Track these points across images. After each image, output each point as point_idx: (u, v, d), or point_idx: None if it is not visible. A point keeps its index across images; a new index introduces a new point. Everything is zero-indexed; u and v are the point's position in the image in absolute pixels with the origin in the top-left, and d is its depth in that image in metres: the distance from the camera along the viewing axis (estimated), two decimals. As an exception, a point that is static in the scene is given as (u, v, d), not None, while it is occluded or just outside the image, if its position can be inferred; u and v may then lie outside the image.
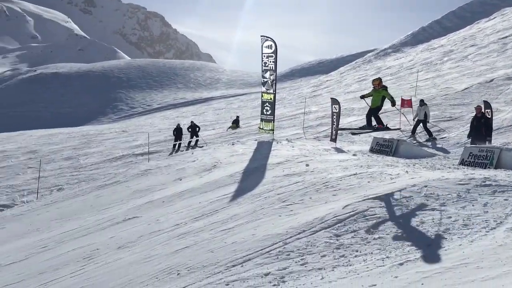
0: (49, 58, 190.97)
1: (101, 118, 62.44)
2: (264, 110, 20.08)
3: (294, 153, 15.33)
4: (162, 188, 14.87)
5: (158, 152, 24.11)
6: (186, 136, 25.07)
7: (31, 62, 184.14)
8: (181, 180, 15.42)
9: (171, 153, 23.54)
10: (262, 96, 20.21)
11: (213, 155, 17.78)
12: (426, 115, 18.98)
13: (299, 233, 7.97)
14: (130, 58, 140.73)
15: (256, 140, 19.76)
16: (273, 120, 20.05)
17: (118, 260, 9.17)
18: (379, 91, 11.52)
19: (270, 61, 19.45)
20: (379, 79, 11.67)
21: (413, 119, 19.71)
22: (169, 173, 16.85)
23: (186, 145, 24.49)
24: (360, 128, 11.84)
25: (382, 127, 11.59)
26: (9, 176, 22.55)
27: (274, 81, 19.64)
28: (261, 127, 20.44)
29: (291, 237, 7.90)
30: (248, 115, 34.10)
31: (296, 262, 6.96)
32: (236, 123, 28.65)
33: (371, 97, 11.81)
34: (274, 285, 6.44)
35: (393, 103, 11.48)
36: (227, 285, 6.85)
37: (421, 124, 19.18)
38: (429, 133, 18.71)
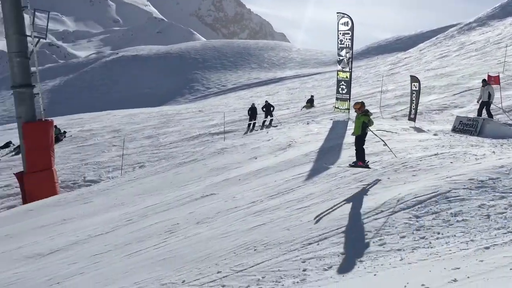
0: (130, 41, 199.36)
1: (178, 99, 64.32)
2: (340, 89, 19.69)
3: (371, 133, 14.95)
4: (238, 166, 15.14)
5: (233, 131, 24.51)
6: (260, 116, 25.26)
7: (114, 45, 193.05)
8: (256, 158, 15.60)
9: (246, 132, 23.82)
10: (337, 74, 19.82)
11: (287, 134, 17.78)
12: (489, 96, 17.60)
13: (377, 214, 7.82)
14: (205, 40, 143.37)
15: (331, 119, 19.49)
16: (349, 99, 19.63)
17: (197, 234, 9.52)
18: (359, 117, 9.87)
19: (346, 39, 18.97)
20: (360, 103, 9.86)
21: (477, 101, 18.40)
22: (244, 152, 17.10)
23: (261, 124, 24.68)
24: (350, 165, 10.22)
25: (362, 165, 9.82)
26: (96, 153, 23.99)
27: (350, 59, 19.17)
28: (337, 106, 20.10)
29: (368, 217, 7.77)
30: (323, 94, 33.68)
31: (374, 242, 6.85)
32: (310, 103, 28.41)
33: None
34: (351, 264, 6.39)
35: (363, 130, 9.86)
36: (303, 262, 6.90)
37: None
38: (490, 116, 17.36)
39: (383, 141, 10.23)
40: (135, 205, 13.54)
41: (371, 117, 10.09)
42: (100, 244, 10.42)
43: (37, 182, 17.57)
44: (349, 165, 9.98)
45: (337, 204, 8.92)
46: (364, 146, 10.17)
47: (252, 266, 7.22)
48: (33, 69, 18.91)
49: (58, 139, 25.32)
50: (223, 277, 7.10)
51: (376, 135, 10.15)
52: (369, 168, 9.96)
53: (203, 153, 19.35)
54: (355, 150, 10.02)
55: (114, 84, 64.78)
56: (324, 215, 8.43)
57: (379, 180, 9.68)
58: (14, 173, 19.31)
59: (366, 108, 10.17)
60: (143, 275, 7.94)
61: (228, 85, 67.47)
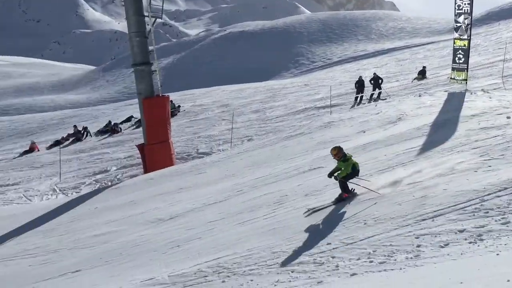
0: (237, 17, 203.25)
1: (283, 73, 64.41)
2: (456, 58, 18.39)
3: (492, 105, 13.86)
4: (345, 140, 14.96)
5: (340, 105, 24.12)
6: (368, 89, 24.52)
7: (221, 22, 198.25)
8: (364, 132, 15.29)
9: (353, 106, 23.31)
10: (454, 43, 18.51)
11: (397, 107, 17.13)
12: None
13: (500, 191, 7.30)
14: (310, 12, 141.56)
15: (446, 91, 18.34)
16: (467, 69, 18.30)
17: (306, 206, 9.65)
18: (339, 163, 8.98)
19: (465, 4, 17.59)
20: (337, 149, 8.98)
21: None
22: (352, 125, 16.83)
23: (368, 97, 23.98)
24: (336, 199, 9.22)
25: (348, 196, 9.10)
26: (207, 127, 25.13)
27: (469, 26, 17.78)
28: (452, 77, 18.84)
29: (489, 194, 7.29)
30: (436, 65, 31.66)
31: (496, 221, 6.44)
32: (422, 74, 26.90)
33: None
34: (470, 242, 6.09)
35: (330, 175, 9.07)
36: (417, 238, 6.71)
37: None
38: None
39: (358, 184, 9.04)
40: (245, 177, 14.04)
41: (352, 159, 8.95)
42: (214, 212, 11.02)
43: (156, 153, 18.91)
44: (335, 199, 9.18)
45: (452, 180, 8.48)
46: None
47: (362, 240, 7.19)
48: (150, 47, 20.15)
49: (173, 114, 26.85)
50: (333, 248, 7.16)
51: (356, 183, 9.03)
52: (357, 195, 9.07)
53: (309, 126, 19.38)
54: (339, 183, 9.04)
55: (222, 60, 66.65)
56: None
57: (503, 155, 9.00)
58: (135, 145, 20.96)
59: (344, 152, 8.99)
60: (254, 242, 8.28)
61: (334, 58, 66.08)
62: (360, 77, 25.55)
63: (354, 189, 9.08)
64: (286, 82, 37.60)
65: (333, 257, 6.85)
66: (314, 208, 9.01)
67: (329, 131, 17.14)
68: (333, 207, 8.95)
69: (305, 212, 8.90)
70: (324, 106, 24.14)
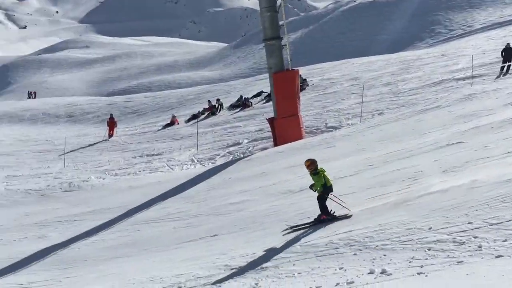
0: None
1: (417, 43, 60.64)
2: None
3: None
4: (489, 113, 13.77)
5: (483, 75, 22.11)
6: (517, 57, 22.11)
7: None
8: (513, 105, 13.92)
9: (498, 76, 21.28)
10: None
11: (554, 76, 15.24)
12: None
13: None
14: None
15: None
16: None
17: (441, 182, 9.14)
18: (311, 176, 8.69)
19: None
20: (310, 161, 8.68)
21: None
22: (497, 97, 15.41)
23: (517, 67, 21.66)
24: (314, 220, 8.73)
25: (326, 218, 8.54)
26: (336, 101, 24.84)
27: None
28: None
29: None
30: None
31: None
32: None
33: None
34: None
35: (311, 186, 8.78)
36: None
37: None
38: None
39: (339, 201, 8.65)
40: (376, 151, 13.69)
41: (323, 173, 8.56)
42: (345, 186, 10.95)
43: (286, 126, 19.25)
44: (314, 220, 8.69)
45: None
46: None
47: (510, 220, 6.61)
48: (280, 22, 20.37)
49: (301, 88, 26.94)
50: (475, 228, 6.69)
51: (331, 199, 8.61)
52: (337, 218, 8.53)
53: (447, 99, 18.19)
54: (318, 203, 8.65)
55: (351, 32, 64.81)
56: None
57: None
58: (266, 119, 21.56)
59: (317, 165, 8.58)
60: (387, 217, 8.06)
61: (475, 25, 60.33)
62: (508, 44, 23.13)
63: (333, 211, 8.73)
64: (421, 53, 35.42)
65: (475, 237, 6.42)
66: (293, 226, 8.86)
67: (471, 103, 15.91)
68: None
69: (283, 230, 8.81)
70: (464, 78, 22.37)
